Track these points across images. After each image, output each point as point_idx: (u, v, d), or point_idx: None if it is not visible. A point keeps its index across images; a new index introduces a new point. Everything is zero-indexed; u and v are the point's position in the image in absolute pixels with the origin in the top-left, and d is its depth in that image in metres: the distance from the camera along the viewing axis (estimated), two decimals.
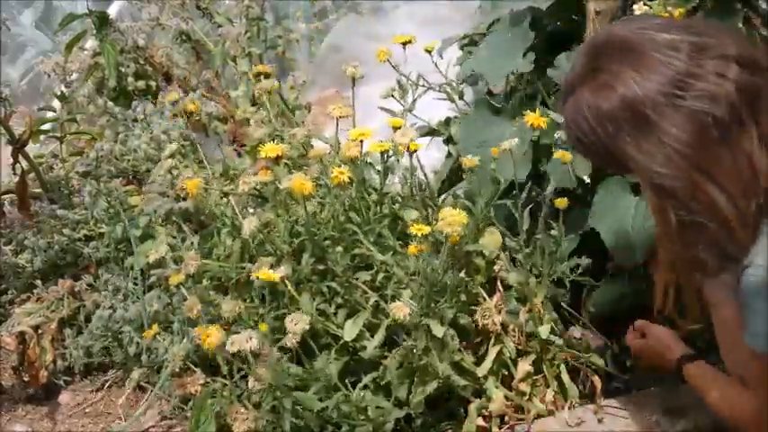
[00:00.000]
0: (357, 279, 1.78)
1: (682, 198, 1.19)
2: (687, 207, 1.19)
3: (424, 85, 2.13)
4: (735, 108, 1.18)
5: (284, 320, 1.59)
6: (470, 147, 2.06)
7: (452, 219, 1.58)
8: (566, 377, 1.84)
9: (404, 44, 2.01)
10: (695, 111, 1.18)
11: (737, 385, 1.46)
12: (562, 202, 1.82)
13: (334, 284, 1.77)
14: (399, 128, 1.75)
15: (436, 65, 2.17)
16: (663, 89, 1.20)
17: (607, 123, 1.23)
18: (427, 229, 1.63)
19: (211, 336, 1.54)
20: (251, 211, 1.92)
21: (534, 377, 1.82)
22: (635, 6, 1.97)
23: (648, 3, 1.94)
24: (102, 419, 2.21)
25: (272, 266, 1.66)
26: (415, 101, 2.08)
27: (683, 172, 1.19)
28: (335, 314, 1.77)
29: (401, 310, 1.59)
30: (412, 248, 1.66)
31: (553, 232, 1.82)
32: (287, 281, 1.65)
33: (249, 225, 1.69)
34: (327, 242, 1.76)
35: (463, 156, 1.92)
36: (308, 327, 1.55)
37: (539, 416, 1.82)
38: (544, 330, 1.80)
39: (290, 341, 1.55)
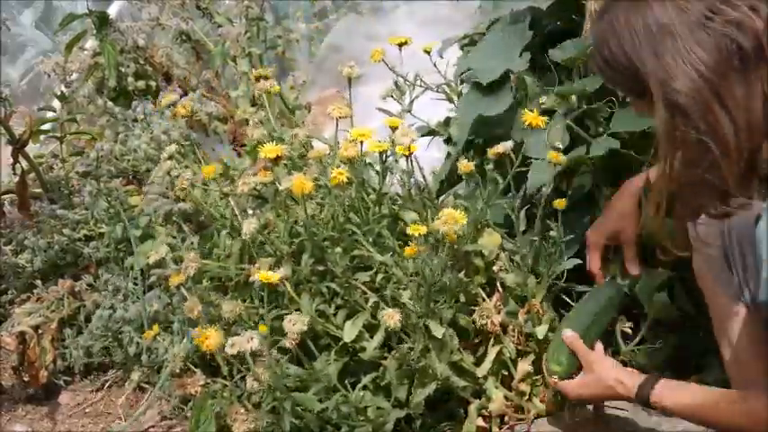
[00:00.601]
0: (356, 280, 1.78)
1: (692, 116, 1.20)
2: (695, 126, 1.21)
3: (421, 86, 2.13)
4: (760, 43, 1.19)
5: (284, 321, 1.59)
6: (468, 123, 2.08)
7: (449, 217, 1.58)
8: None
9: (400, 45, 2.01)
10: (722, 35, 1.20)
11: (736, 392, 1.47)
12: (560, 203, 1.82)
13: (333, 285, 1.77)
14: (397, 128, 1.75)
15: (435, 65, 2.16)
16: (695, 9, 1.22)
17: (635, 36, 1.25)
18: (424, 229, 1.63)
19: (210, 338, 1.54)
20: (250, 212, 1.92)
21: (534, 377, 1.82)
22: None
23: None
24: (102, 419, 2.22)
25: (271, 267, 1.66)
26: (412, 101, 2.07)
27: (698, 92, 1.20)
28: (335, 315, 1.77)
29: (392, 317, 1.59)
30: (408, 250, 1.65)
31: (552, 233, 1.81)
32: (286, 282, 1.65)
33: (248, 226, 1.69)
34: (327, 243, 1.76)
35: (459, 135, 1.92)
36: (306, 328, 1.55)
37: (539, 416, 1.82)
38: (541, 331, 1.79)
39: (289, 342, 1.55)
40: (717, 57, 1.20)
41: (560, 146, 1.84)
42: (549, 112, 1.90)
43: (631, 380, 1.59)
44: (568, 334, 1.70)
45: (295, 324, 1.54)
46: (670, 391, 1.55)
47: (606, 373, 1.63)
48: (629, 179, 1.76)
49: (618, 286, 1.76)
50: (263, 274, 1.59)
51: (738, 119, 1.19)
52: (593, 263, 1.78)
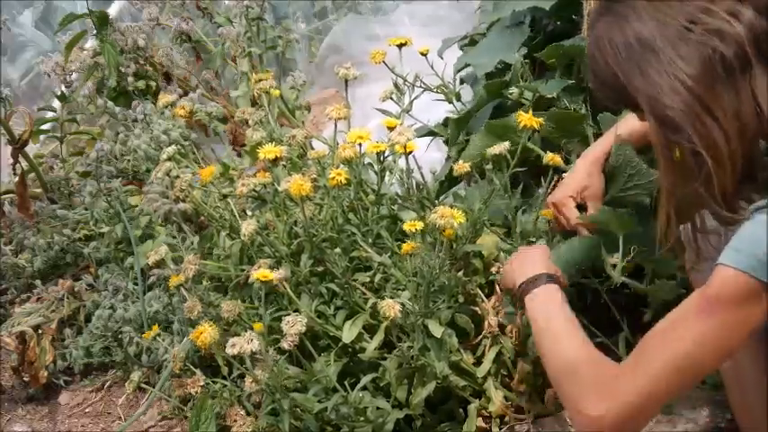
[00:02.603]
0: (356, 280, 1.78)
1: (682, 129, 1.20)
2: (687, 138, 1.20)
3: (421, 86, 2.13)
4: (743, 49, 1.19)
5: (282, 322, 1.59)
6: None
7: (446, 211, 1.58)
8: None
9: (400, 46, 2.01)
10: (704, 45, 1.19)
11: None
12: (548, 213, 1.82)
13: (332, 286, 1.77)
14: (395, 128, 1.74)
15: (432, 66, 2.16)
16: (674, 22, 1.21)
17: (619, 53, 1.25)
18: (421, 225, 1.62)
19: (205, 333, 1.54)
20: (249, 213, 1.92)
21: (534, 377, 1.82)
22: None
23: None
24: (102, 419, 2.22)
25: (271, 268, 1.66)
26: (411, 102, 2.07)
27: (686, 105, 1.20)
28: (334, 315, 1.77)
29: (392, 308, 1.58)
30: (406, 246, 1.65)
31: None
32: (285, 283, 1.65)
33: (247, 227, 1.69)
34: (326, 244, 1.76)
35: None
36: (304, 329, 1.55)
37: (538, 416, 1.82)
38: None
39: (288, 343, 1.54)
40: (700, 68, 1.19)
41: None
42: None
43: (540, 268, 1.50)
44: None
45: (293, 325, 1.54)
46: (545, 296, 1.45)
47: (537, 251, 1.58)
48: (588, 148, 1.75)
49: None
50: (260, 272, 1.58)
51: (729, 127, 1.18)
52: (572, 216, 1.71)
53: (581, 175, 1.72)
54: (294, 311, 1.66)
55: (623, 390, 1.22)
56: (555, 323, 1.40)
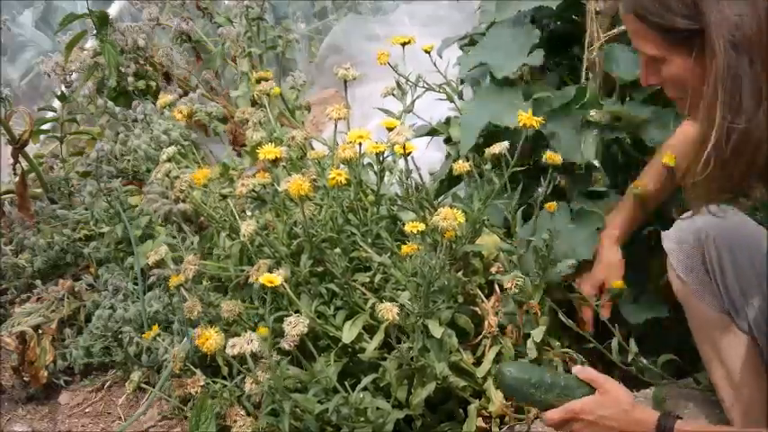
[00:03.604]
0: (355, 281, 1.78)
1: (754, 55, 1.20)
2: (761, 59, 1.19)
3: (422, 86, 2.13)
4: None
5: (283, 322, 1.58)
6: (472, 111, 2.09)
7: (448, 213, 1.58)
8: None
9: (403, 44, 2.01)
10: None
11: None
12: (552, 206, 1.82)
13: (332, 286, 1.77)
14: (394, 129, 1.74)
15: (435, 64, 2.16)
16: None
17: None
18: (422, 227, 1.62)
19: (210, 339, 1.54)
20: (248, 213, 1.92)
21: None
22: None
23: None
24: (102, 419, 2.22)
25: (270, 269, 1.66)
26: (413, 101, 2.07)
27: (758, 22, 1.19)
28: (334, 316, 1.77)
29: (390, 311, 1.58)
30: (406, 248, 1.65)
31: (544, 235, 1.81)
32: (285, 283, 1.65)
33: (247, 228, 1.69)
34: (325, 244, 1.76)
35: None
36: (306, 330, 1.54)
37: (538, 416, 1.82)
38: (537, 333, 1.80)
39: (288, 344, 1.54)
40: None
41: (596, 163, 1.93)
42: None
43: (647, 411, 1.49)
44: (577, 368, 1.58)
45: (295, 326, 1.54)
46: (693, 428, 1.45)
47: (622, 394, 1.50)
48: (606, 229, 1.85)
49: None
50: (266, 277, 1.58)
51: None
52: (589, 315, 1.84)
53: (602, 266, 1.84)
54: (295, 312, 1.66)
55: None
56: None
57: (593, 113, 1.96)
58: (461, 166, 1.81)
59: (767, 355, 1.48)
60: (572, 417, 1.49)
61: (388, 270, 1.75)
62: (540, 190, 1.81)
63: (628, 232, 1.86)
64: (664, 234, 1.60)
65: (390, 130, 1.74)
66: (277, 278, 1.58)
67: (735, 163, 1.24)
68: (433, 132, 2.34)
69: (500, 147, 1.78)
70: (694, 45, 1.25)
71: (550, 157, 1.78)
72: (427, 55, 2.17)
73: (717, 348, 1.52)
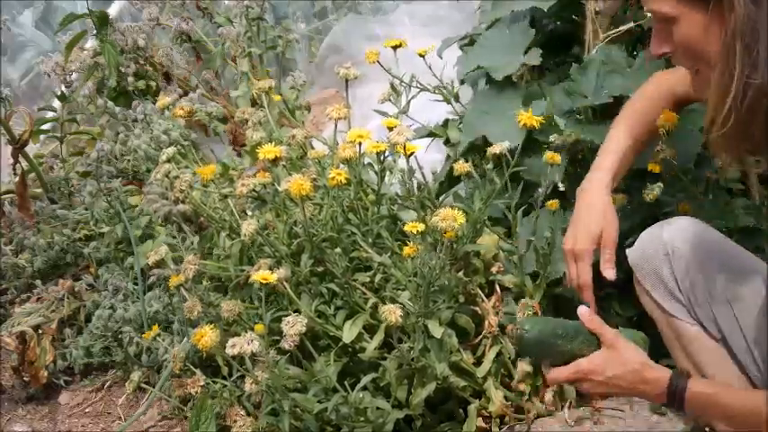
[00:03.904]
0: (356, 280, 1.78)
1: None
2: None
3: (418, 87, 2.13)
4: None
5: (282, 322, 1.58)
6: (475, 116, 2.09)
7: (447, 214, 1.57)
8: None
9: (394, 48, 2.01)
10: None
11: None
12: (553, 204, 1.82)
13: (332, 286, 1.77)
14: (395, 128, 1.74)
15: (430, 67, 2.15)
16: None
17: None
18: (422, 227, 1.62)
19: (206, 336, 1.54)
20: (248, 213, 1.92)
21: (533, 377, 1.82)
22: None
23: None
24: (102, 419, 2.22)
25: (271, 269, 1.66)
26: (408, 102, 2.07)
27: None
28: (334, 315, 1.77)
29: (393, 313, 1.57)
30: (407, 250, 1.65)
31: (546, 233, 1.81)
32: (285, 283, 1.65)
33: (247, 227, 1.69)
34: (326, 244, 1.76)
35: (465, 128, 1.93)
36: (305, 329, 1.54)
37: (538, 416, 1.82)
38: None
39: (288, 343, 1.54)
40: None
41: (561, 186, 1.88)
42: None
43: (659, 370, 1.41)
44: (584, 311, 1.49)
45: (294, 326, 1.54)
46: (706, 387, 1.39)
47: (632, 352, 1.43)
48: (593, 172, 1.66)
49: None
50: (260, 274, 1.58)
51: None
52: (587, 276, 1.60)
53: (598, 215, 1.60)
54: (294, 311, 1.66)
55: None
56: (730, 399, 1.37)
57: (553, 138, 1.92)
58: (462, 166, 1.81)
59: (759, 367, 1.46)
60: (581, 377, 1.44)
61: (388, 270, 1.75)
62: (540, 190, 1.81)
63: (620, 177, 1.66)
64: (628, 250, 1.56)
65: (391, 129, 1.74)
66: (271, 275, 1.58)
67: (752, 119, 1.22)
68: (429, 135, 2.34)
69: (500, 146, 1.78)
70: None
71: (550, 157, 1.78)
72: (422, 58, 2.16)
73: (690, 357, 1.50)
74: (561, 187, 1.98)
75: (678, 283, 1.48)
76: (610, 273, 1.59)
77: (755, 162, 1.64)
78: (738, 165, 1.72)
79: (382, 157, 1.77)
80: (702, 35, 1.26)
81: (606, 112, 1.95)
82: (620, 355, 1.42)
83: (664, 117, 1.64)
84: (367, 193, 1.86)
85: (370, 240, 1.79)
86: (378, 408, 1.70)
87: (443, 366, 1.69)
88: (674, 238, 1.50)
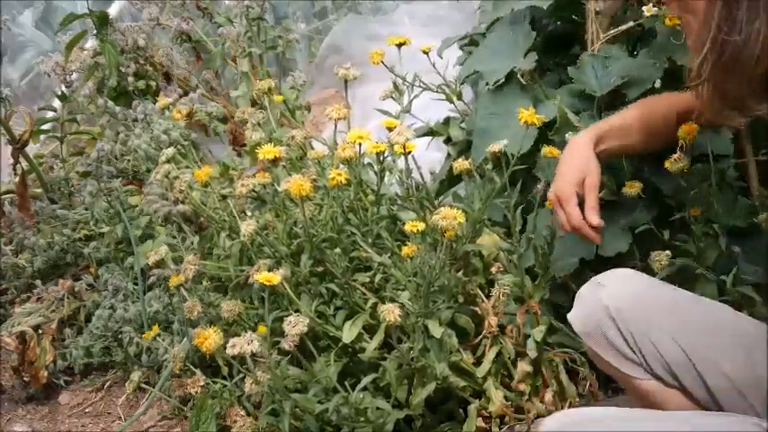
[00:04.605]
0: (356, 281, 1.78)
1: None
2: None
3: (420, 86, 2.13)
4: None
5: (283, 322, 1.58)
6: (482, 116, 2.09)
7: (448, 213, 1.56)
8: (564, 377, 1.85)
9: (399, 45, 2.01)
10: None
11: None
12: (550, 203, 1.81)
13: (332, 286, 1.77)
14: (395, 128, 1.74)
15: (434, 65, 2.16)
16: None
17: None
18: (422, 226, 1.61)
19: (209, 339, 1.54)
20: (248, 214, 1.92)
21: (533, 377, 1.82)
22: (644, 8, 1.96)
23: (658, 4, 1.94)
24: (102, 419, 2.22)
25: (270, 269, 1.66)
26: (411, 101, 2.07)
27: None
28: (334, 316, 1.77)
29: (392, 312, 1.56)
30: (406, 250, 1.64)
31: (544, 232, 1.81)
32: (286, 284, 1.65)
33: (246, 228, 1.69)
34: (325, 244, 1.76)
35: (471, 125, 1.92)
36: (306, 329, 1.54)
37: (538, 416, 1.82)
38: (537, 333, 1.79)
39: (289, 344, 1.54)
40: None
41: None
42: None
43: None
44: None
45: (295, 326, 1.54)
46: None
47: None
48: (581, 131, 1.70)
49: None
50: (263, 275, 1.58)
51: None
52: (576, 215, 1.59)
53: (580, 162, 1.62)
54: (295, 311, 1.66)
55: None
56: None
57: (569, 136, 1.93)
58: (461, 164, 1.81)
59: None
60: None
61: (388, 270, 1.75)
62: (539, 186, 1.81)
63: (614, 143, 1.66)
64: (570, 316, 1.51)
65: (391, 129, 1.74)
66: (275, 276, 1.58)
67: (726, 78, 1.23)
68: (431, 133, 2.34)
69: (499, 145, 1.77)
70: None
71: (549, 151, 1.77)
72: (425, 55, 2.17)
73: (660, 408, 1.48)
74: None
75: (627, 341, 1.46)
76: (594, 218, 1.59)
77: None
78: (723, 121, 1.68)
79: (382, 158, 1.77)
80: None
81: (616, 104, 1.97)
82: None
83: (684, 129, 1.64)
84: (366, 193, 1.86)
85: (369, 240, 1.79)
86: (378, 408, 1.70)
87: (443, 366, 1.69)
88: (613, 298, 1.45)
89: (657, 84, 1.95)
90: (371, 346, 1.72)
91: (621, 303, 1.44)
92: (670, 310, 1.43)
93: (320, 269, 1.79)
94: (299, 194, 1.62)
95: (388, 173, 1.86)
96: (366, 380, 1.67)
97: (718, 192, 1.78)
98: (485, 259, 1.88)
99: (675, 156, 1.66)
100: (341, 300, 1.77)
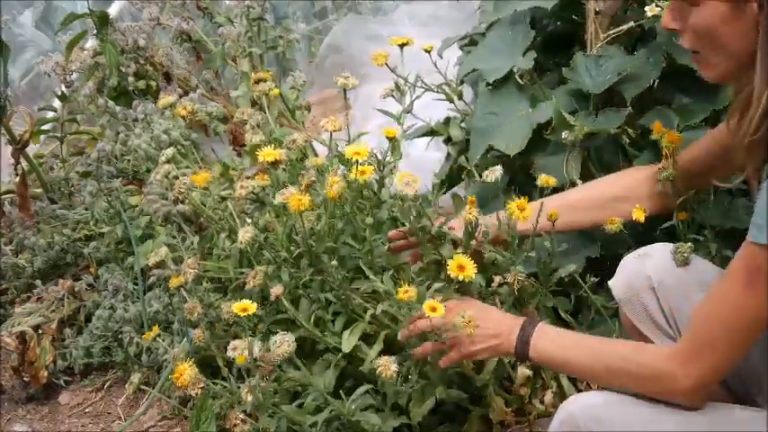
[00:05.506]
0: (357, 289, 1.75)
1: None
2: None
3: (422, 86, 2.13)
4: None
5: (283, 324, 1.57)
6: (480, 115, 2.10)
7: (461, 261, 1.51)
8: (564, 379, 1.85)
9: (401, 46, 2.01)
10: None
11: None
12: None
13: (329, 296, 1.75)
14: (394, 138, 1.70)
15: (435, 65, 2.16)
16: None
17: None
18: (471, 274, 1.51)
19: (184, 374, 1.53)
20: (247, 217, 1.91)
21: (533, 379, 1.82)
22: (647, 8, 1.96)
23: (660, 4, 1.93)
24: (102, 419, 2.22)
25: (269, 274, 1.65)
26: (413, 102, 2.07)
27: None
28: (333, 322, 1.76)
29: (388, 368, 1.51)
30: (402, 294, 1.53)
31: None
32: (282, 298, 1.64)
33: (244, 235, 1.66)
34: (325, 255, 1.74)
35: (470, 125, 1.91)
36: (293, 348, 1.51)
37: (538, 417, 1.82)
38: None
39: (278, 358, 1.53)
40: None
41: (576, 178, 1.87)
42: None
43: (514, 318, 1.47)
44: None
45: (280, 346, 1.51)
46: (554, 336, 1.43)
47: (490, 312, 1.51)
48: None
49: None
50: (238, 305, 1.54)
51: None
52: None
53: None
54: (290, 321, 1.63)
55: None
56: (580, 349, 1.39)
57: (565, 135, 1.95)
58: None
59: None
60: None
61: (390, 297, 1.67)
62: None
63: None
64: (611, 282, 1.53)
65: (390, 139, 1.71)
66: (252, 306, 1.54)
67: None
68: (431, 133, 2.34)
69: (494, 173, 1.73)
70: None
71: (545, 180, 1.75)
72: (427, 55, 2.17)
73: None
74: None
75: (665, 315, 1.46)
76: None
77: None
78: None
79: (382, 167, 1.74)
80: (720, 25, 1.23)
81: (612, 101, 1.98)
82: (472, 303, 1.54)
83: (669, 137, 1.65)
84: (367, 197, 1.84)
85: (369, 258, 1.75)
86: (379, 409, 1.69)
87: (442, 389, 1.68)
88: (658, 270, 1.47)
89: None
90: (370, 357, 1.68)
91: (665, 276, 1.44)
92: (706, 283, 1.41)
93: (319, 277, 1.77)
94: (297, 210, 1.60)
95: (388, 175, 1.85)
96: (363, 389, 1.65)
97: (709, 195, 1.79)
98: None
99: (661, 164, 1.66)
100: (340, 305, 1.76)
